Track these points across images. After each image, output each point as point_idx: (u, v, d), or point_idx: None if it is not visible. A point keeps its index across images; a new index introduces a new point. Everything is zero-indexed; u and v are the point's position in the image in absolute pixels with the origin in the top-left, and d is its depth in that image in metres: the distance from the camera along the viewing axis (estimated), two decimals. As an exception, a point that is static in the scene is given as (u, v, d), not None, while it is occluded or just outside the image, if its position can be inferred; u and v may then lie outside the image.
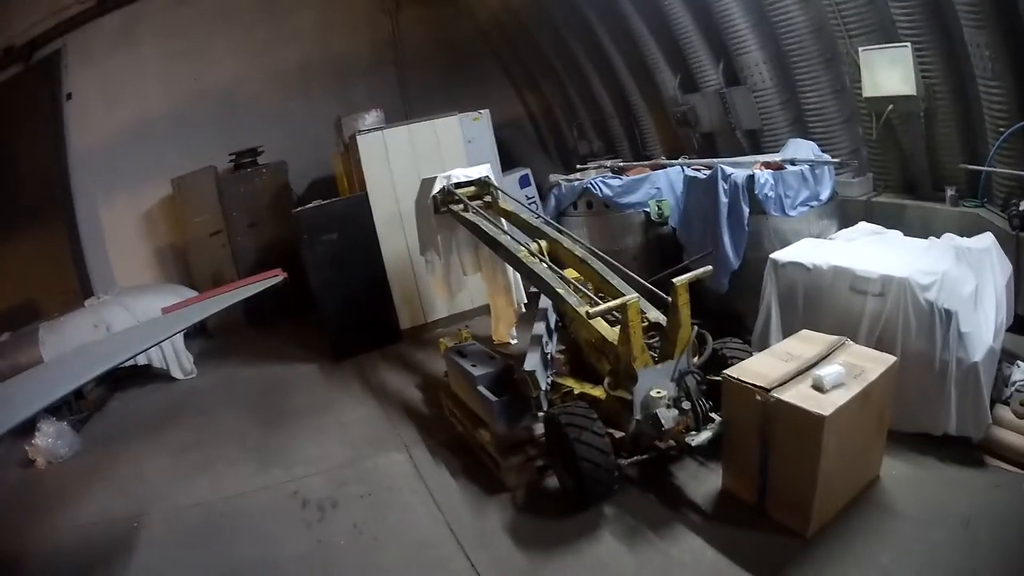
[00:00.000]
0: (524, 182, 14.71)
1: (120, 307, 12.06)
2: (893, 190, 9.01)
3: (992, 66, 6.97)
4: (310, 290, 11.47)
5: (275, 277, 8.37)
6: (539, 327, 7.48)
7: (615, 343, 6.19)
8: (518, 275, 9.59)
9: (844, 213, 8.72)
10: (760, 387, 5.30)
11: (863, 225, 7.78)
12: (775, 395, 5.18)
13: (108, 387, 12.19)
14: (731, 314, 8.35)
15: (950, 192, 8.01)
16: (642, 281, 6.84)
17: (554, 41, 15.22)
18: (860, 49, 8.15)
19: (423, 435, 8.43)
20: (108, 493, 8.66)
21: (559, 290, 6.90)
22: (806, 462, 5.06)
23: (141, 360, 11.70)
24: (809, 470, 5.05)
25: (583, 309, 6.47)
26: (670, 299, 6.05)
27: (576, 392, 6.94)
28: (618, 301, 6.00)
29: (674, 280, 5.91)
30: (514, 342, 10.45)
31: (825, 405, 4.93)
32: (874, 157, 9.14)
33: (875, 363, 5.48)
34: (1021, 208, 6.98)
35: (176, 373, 12.41)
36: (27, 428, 9.74)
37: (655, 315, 6.52)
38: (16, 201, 14.52)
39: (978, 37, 6.93)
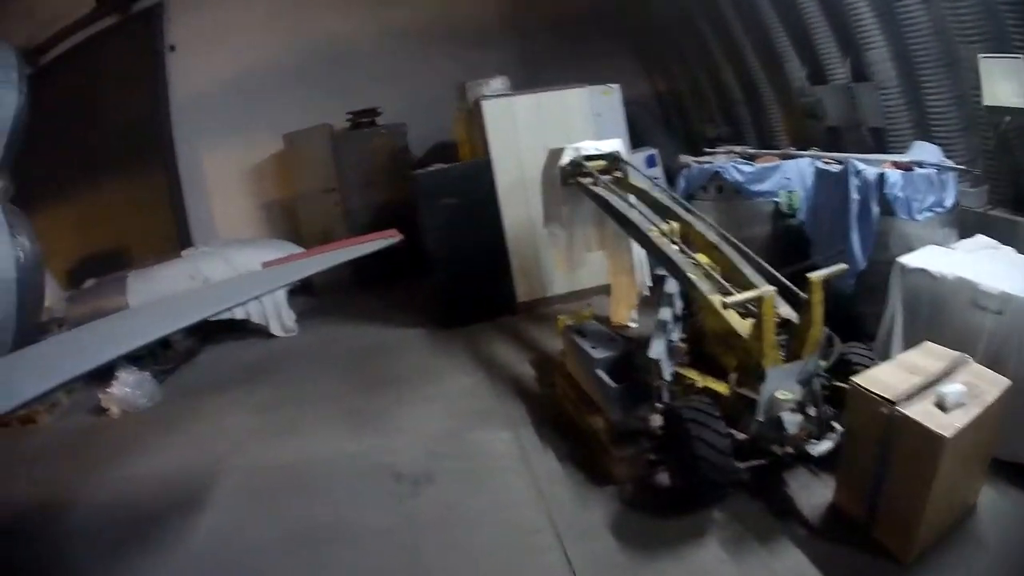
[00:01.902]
0: (651, 162, 14.49)
1: (220, 259, 12.15)
2: (1005, 205, 8.65)
3: None
4: (424, 254, 11.46)
5: (390, 238, 8.20)
6: (665, 313, 7.17)
7: (746, 337, 6.03)
8: (644, 255, 9.58)
9: (961, 223, 8.40)
10: (887, 399, 5.13)
11: (980, 238, 7.56)
12: (900, 409, 5.02)
13: (199, 338, 12.25)
14: (851, 316, 8.08)
15: None
16: (776, 273, 6.58)
17: (684, 23, 15.03)
18: (980, 56, 7.97)
19: (532, 414, 8.33)
20: (182, 447, 8.79)
21: (690, 275, 6.63)
22: (919, 483, 4.95)
23: (239, 314, 11.77)
24: (921, 492, 4.95)
25: (716, 298, 6.27)
26: (804, 295, 5.89)
27: (699, 385, 6.61)
28: (754, 293, 5.93)
29: (810, 276, 5.77)
30: (634, 325, 10.13)
31: (946, 425, 4.79)
32: (989, 168, 8.79)
33: (993, 385, 5.29)
34: None
35: (276, 330, 12.53)
36: (104, 375, 9.82)
37: (786, 311, 6.29)
38: (114, 147, 14.76)
39: None
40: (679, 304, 7.49)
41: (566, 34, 17.27)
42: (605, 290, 10.98)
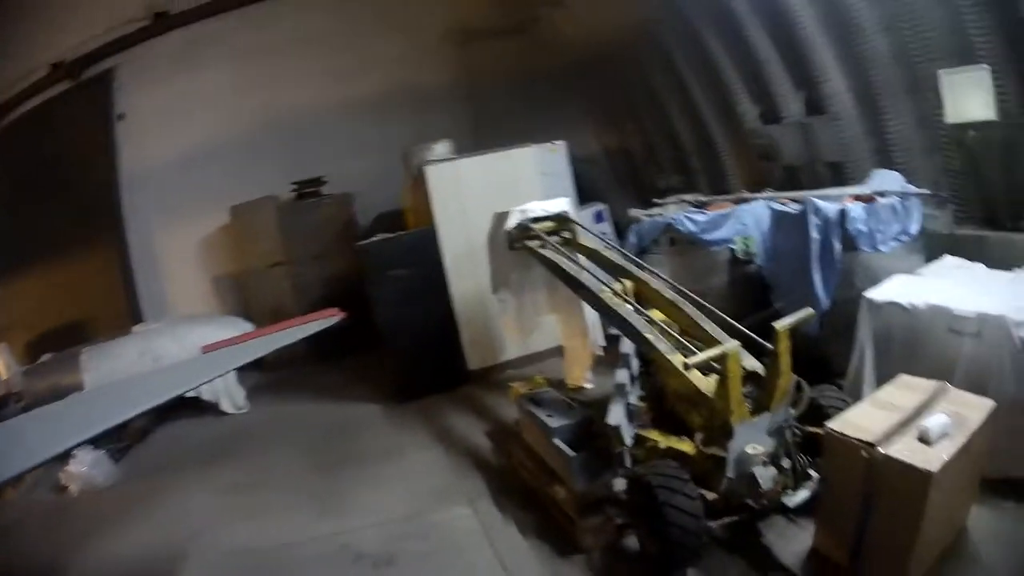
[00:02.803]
0: (599, 218, 14.44)
1: (170, 338, 11.95)
2: (973, 222, 8.63)
3: None
4: (375, 326, 11.14)
5: (333, 317, 8.11)
6: (621, 375, 6.99)
7: (710, 396, 5.72)
8: (596, 316, 9.20)
9: (927, 247, 8.41)
10: (866, 442, 5.02)
11: (948, 259, 7.69)
12: (882, 450, 4.92)
13: (152, 418, 12.00)
14: (818, 358, 7.82)
15: None
16: (737, 325, 6.29)
17: (631, 72, 14.95)
18: (941, 72, 8.01)
19: (491, 488, 8.01)
20: (144, 530, 8.55)
21: (648, 336, 6.38)
22: (908, 520, 4.85)
23: (189, 392, 11.36)
24: (910, 529, 4.84)
25: (676, 359, 6.02)
26: (769, 345, 5.67)
27: (662, 447, 6.38)
28: (717, 350, 5.61)
29: (775, 325, 5.61)
30: (590, 386, 9.90)
31: (932, 460, 4.73)
32: (954, 188, 8.76)
33: (975, 409, 5.30)
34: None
35: (226, 407, 12.27)
36: (63, 454, 9.56)
37: (751, 363, 6.07)
38: (72, 218, 14.55)
39: None
40: (636, 364, 7.31)
41: (512, 95, 17.25)
42: (558, 352, 10.83)
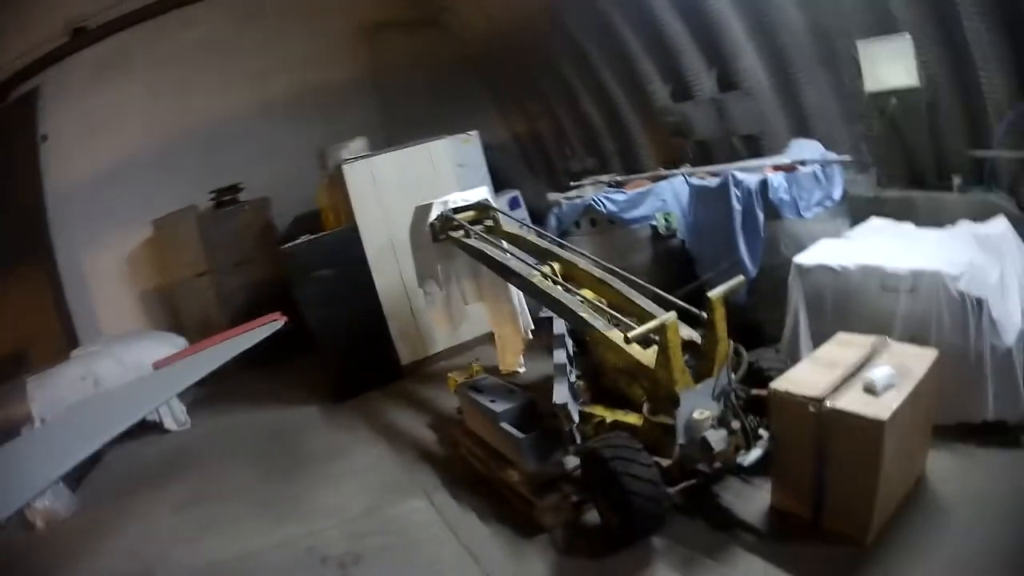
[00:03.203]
0: (514, 204, 14.47)
1: (110, 358, 11.74)
2: (898, 184, 8.78)
3: (992, 50, 7.06)
4: (305, 329, 11.05)
5: (274, 322, 7.96)
6: (559, 355, 6.98)
7: (652, 367, 5.81)
8: (523, 300, 9.23)
9: (852, 211, 8.53)
10: (812, 398, 5.13)
11: (875, 221, 7.79)
12: (829, 404, 5.04)
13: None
14: (749, 324, 7.94)
15: (957, 180, 7.89)
16: (669, 297, 6.43)
17: (541, 57, 14.93)
18: (859, 42, 8.14)
19: (442, 478, 8.03)
20: (113, 556, 8.38)
21: (583, 314, 6.43)
22: (866, 469, 4.97)
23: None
24: (869, 477, 4.96)
25: (615, 333, 6.10)
26: (704, 314, 5.87)
27: (608, 421, 6.51)
28: (655, 322, 5.69)
29: (709, 294, 5.79)
30: (522, 370, 9.92)
31: (882, 409, 4.85)
32: (877, 152, 8.88)
33: (919, 359, 5.45)
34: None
35: (169, 424, 12.11)
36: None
37: (687, 332, 6.16)
38: (3, 244, 14.13)
39: (978, 22, 7.01)
40: (570, 343, 7.27)
41: (421, 86, 17.22)
42: (487, 339, 11.03)
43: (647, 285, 6.76)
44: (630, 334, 5.66)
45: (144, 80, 14.90)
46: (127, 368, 11.22)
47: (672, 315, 5.75)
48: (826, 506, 5.32)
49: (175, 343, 12.46)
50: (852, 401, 5.01)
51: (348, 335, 11.17)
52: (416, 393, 10.86)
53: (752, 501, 5.96)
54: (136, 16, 14.52)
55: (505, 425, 6.94)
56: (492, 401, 7.32)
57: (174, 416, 12.16)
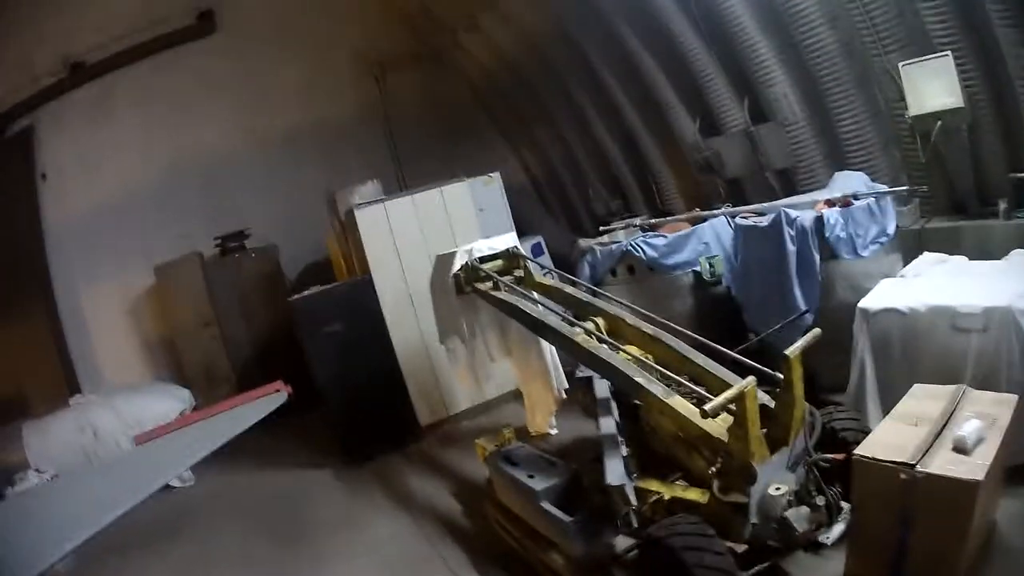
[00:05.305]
0: (537, 250, 14.19)
1: (109, 410, 11.56)
2: (942, 213, 8.63)
3: None
4: (314, 385, 10.53)
5: (277, 393, 7.66)
6: (607, 424, 6.26)
7: (726, 441, 5.09)
8: (556, 355, 8.70)
9: (902, 246, 8.16)
10: (902, 463, 4.73)
11: (927, 256, 7.48)
12: (920, 468, 4.66)
13: (101, 495, 11.39)
14: (805, 374, 7.33)
15: (1003, 205, 7.71)
16: (738, 356, 5.77)
17: (555, 92, 14.64)
18: (900, 65, 7.87)
19: (471, 555, 7.26)
20: None
21: (638, 379, 5.64)
22: (954, 532, 4.67)
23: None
24: (958, 538, 4.67)
25: (675, 401, 5.38)
26: (781, 375, 5.14)
27: (666, 498, 5.73)
28: (734, 391, 4.92)
29: (788, 352, 5.08)
30: (554, 432, 9.34)
31: (975, 469, 4.55)
32: (917, 180, 8.60)
33: (1002, 407, 5.14)
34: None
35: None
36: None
37: (760, 396, 5.42)
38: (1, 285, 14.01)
39: (1013, 36, 6.96)
40: (614, 408, 6.60)
41: (430, 126, 17.21)
42: (514, 397, 10.53)
43: (708, 342, 6.11)
44: (707, 407, 4.89)
45: (138, 116, 14.86)
46: (126, 422, 11.13)
47: (750, 381, 5.03)
48: (906, 572, 4.90)
49: (179, 396, 12.23)
50: (944, 463, 4.65)
51: (362, 393, 10.56)
52: (438, 457, 10.21)
53: (820, 573, 5.44)
54: (136, 53, 14.53)
55: (547, 505, 6.24)
56: (530, 476, 6.61)
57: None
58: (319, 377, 10.60)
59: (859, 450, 5.01)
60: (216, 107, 15.35)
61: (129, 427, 10.73)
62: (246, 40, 15.44)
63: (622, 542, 5.91)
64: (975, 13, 7.13)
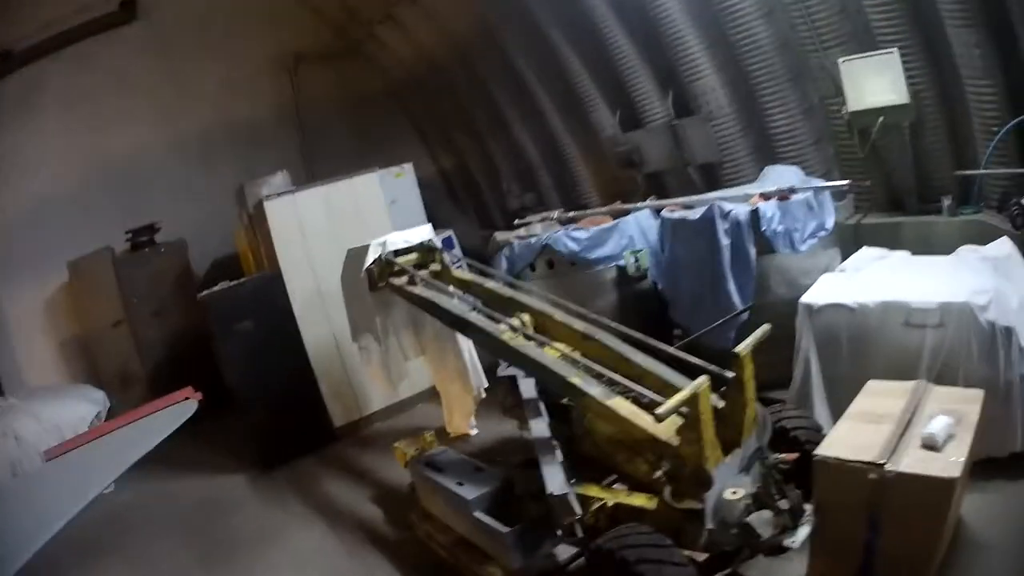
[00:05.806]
0: (448, 244, 13.58)
1: (29, 416, 11.02)
2: (879, 209, 8.72)
3: (982, 64, 6.94)
4: (226, 386, 10.34)
5: (186, 400, 7.51)
6: (539, 427, 5.91)
7: (675, 444, 4.79)
8: (475, 354, 8.57)
9: (839, 240, 8.17)
10: (870, 463, 4.62)
11: (867, 250, 7.46)
12: (890, 467, 4.56)
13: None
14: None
15: (947, 202, 7.80)
16: (685, 356, 5.35)
17: (471, 86, 14.64)
18: (840, 60, 7.93)
19: (398, 567, 6.99)
20: None
21: (574, 380, 5.32)
22: (927, 531, 4.67)
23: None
24: (931, 538, 4.68)
25: (617, 403, 5.07)
26: (730, 374, 4.87)
27: (610, 504, 5.37)
28: (687, 392, 4.63)
29: (738, 349, 4.85)
30: (474, 432, 9.24)
31: (949, 466, 4.52)
32: (855, 175, 8.55)
33: (968, 403, 5.12)
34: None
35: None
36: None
37: None
38: None
39: (966, 36, 6.89)
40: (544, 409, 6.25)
41: (343, 122, 17.13)
42: (430, 396, 10.36)
43: (651, 340, 5.77)
44: (660, 410, 4.58)
45: (62, 117, 14.54)
46: (45, 427, 10.60)
47: (703, 381, 4.75)
48: (876, 573, 4.80)
49: (93, 398, 11.85)
50: (915, 461, 4.58)
51: (274, 394, 10.25)
52: (354, 460, 9.95)
53: (781, 574, 5.25)
54: (61, 40, 14.24)
55: (480, 515, 5.92)
56: (459, 484, 6.28)
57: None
58: (230, 377, 10.40)
59: (820, 450, 4.89)
60: (130, 106, 15.06)
61: (47, 432, 10.29)
62: (167, 35, 15.29)
63: (563, 551, 5.77)
64: (924, 11, 7.15)
